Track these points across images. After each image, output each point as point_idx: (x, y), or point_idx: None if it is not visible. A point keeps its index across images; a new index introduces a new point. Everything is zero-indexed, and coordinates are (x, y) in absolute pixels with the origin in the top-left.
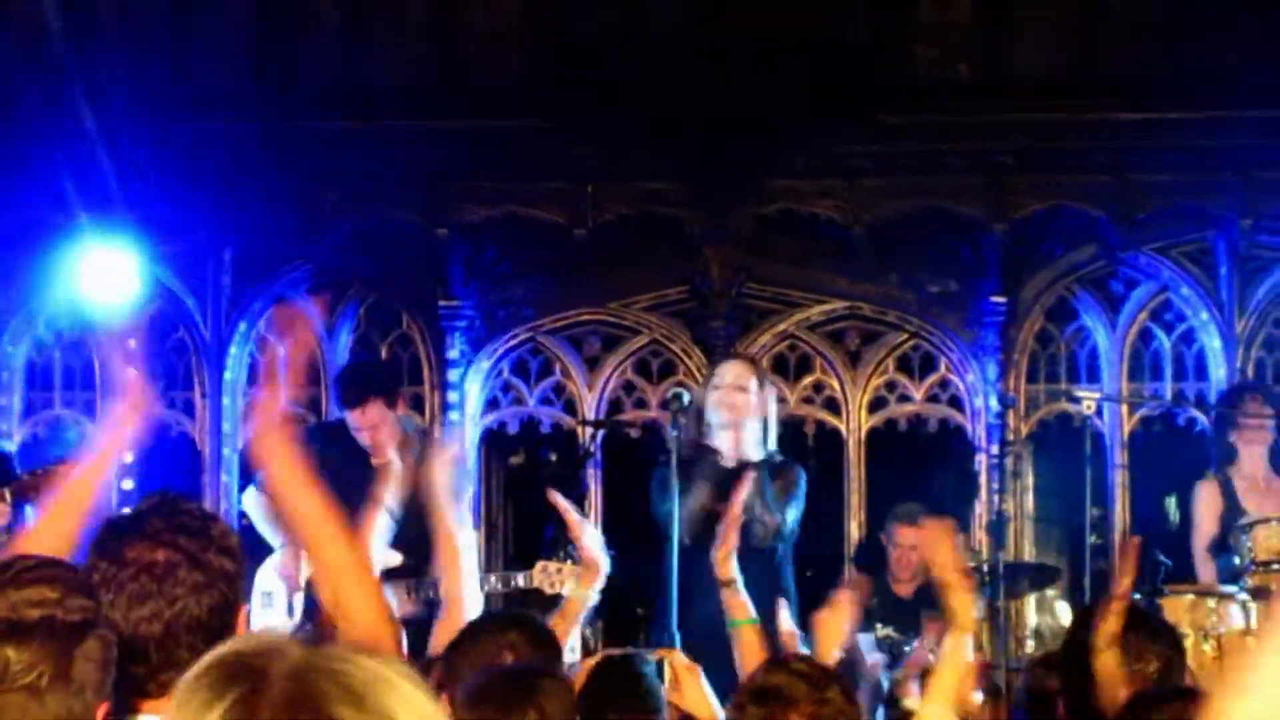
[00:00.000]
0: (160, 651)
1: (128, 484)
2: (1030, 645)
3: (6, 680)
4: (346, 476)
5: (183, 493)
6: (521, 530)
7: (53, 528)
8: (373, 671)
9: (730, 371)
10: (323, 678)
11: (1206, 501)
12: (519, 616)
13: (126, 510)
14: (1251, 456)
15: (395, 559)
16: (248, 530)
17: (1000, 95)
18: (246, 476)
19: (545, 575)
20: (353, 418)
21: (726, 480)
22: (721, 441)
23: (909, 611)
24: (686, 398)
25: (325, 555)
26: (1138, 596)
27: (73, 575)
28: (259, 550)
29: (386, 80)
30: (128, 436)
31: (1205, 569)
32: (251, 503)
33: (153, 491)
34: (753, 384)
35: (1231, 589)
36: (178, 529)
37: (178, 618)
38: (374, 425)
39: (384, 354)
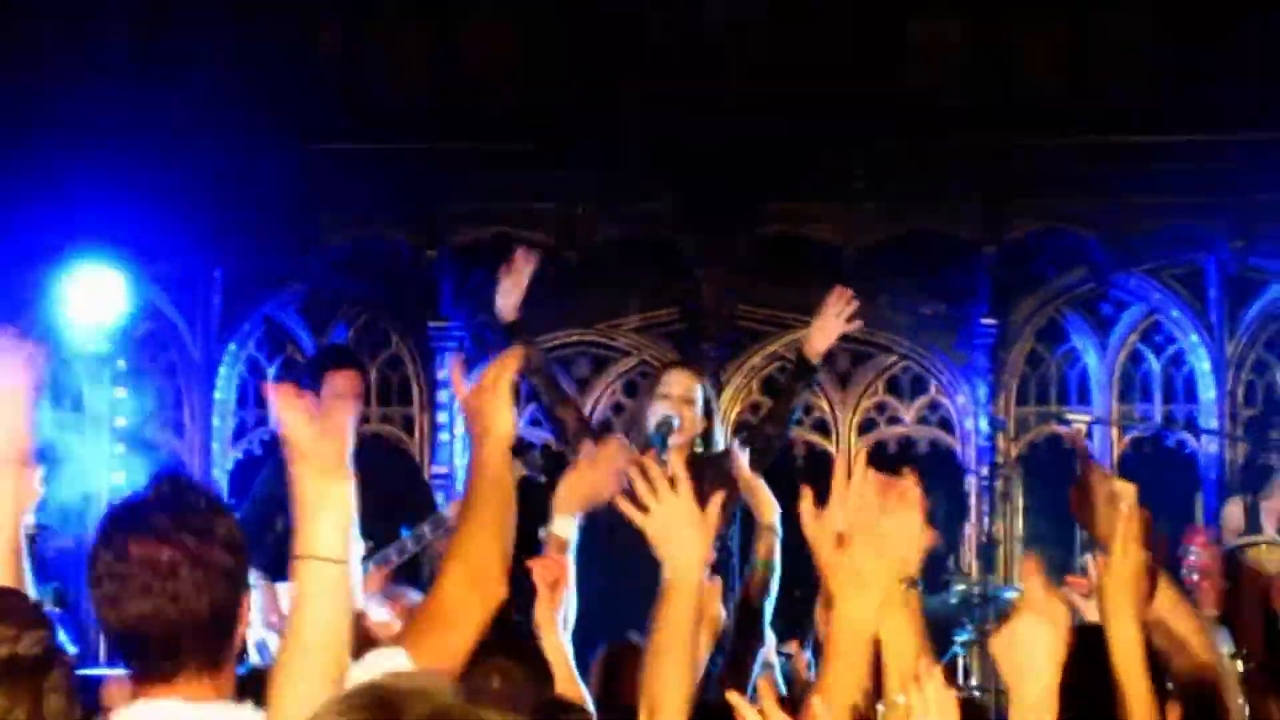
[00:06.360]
0: (160, 646)
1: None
2: None
3: None
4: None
5: (189, 479)
6: None
7: None
8: None
9: (679, 382)
10: None
11: (1229, 522)
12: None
13: (131, 497)
14: None
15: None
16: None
17: (993, 118)
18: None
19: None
20: (339, 379)
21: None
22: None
23: None
24: (676, 422)
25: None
26: None
27: (24, 605)
28: None
29: (379, 101)
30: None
31: None
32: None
33: (161, 476)
34: (699, 395)
35: None
36: (183, 526)
37: (180, 615)
38: (356, 395)
39: (374, 375)
